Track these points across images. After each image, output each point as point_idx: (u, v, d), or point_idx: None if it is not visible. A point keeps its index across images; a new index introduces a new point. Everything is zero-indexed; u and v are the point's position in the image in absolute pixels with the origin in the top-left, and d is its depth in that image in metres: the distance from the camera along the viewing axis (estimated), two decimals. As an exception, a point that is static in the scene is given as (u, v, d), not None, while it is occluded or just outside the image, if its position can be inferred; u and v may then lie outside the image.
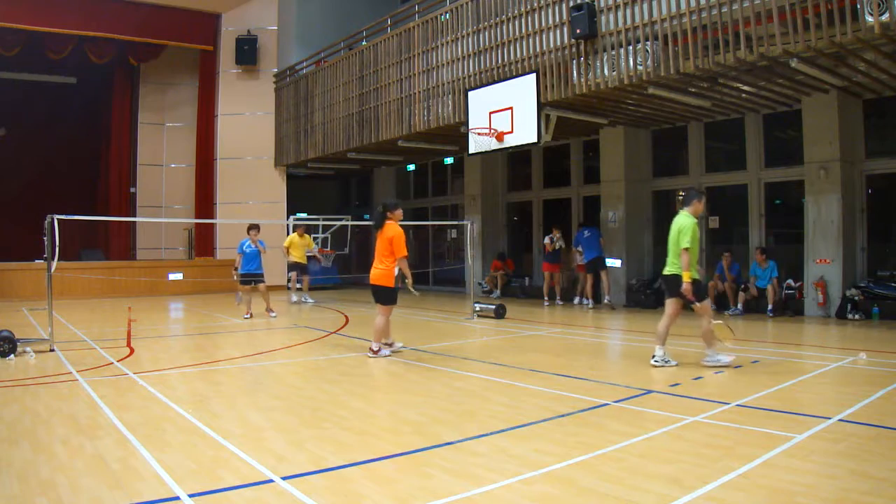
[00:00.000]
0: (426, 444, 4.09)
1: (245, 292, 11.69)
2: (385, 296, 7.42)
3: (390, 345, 7.64)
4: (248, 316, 11.45)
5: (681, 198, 6.76)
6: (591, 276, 12.91)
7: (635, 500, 3.15)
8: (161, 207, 19.30)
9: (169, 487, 3.34)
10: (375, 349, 7.36)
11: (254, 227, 11.57)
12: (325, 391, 5.73)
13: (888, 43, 7.61)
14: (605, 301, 12.72)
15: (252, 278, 11.51)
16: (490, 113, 11.33)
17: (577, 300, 13.44)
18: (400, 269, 7.32)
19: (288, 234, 18.25)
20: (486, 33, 11.70)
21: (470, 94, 11.72)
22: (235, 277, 11.66)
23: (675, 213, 6.73)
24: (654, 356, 6.65)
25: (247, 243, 11.47)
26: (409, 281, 7.44)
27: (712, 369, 6.39)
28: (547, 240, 13.74)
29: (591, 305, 12.88)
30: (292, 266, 14.35)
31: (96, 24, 16.36)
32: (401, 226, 7.44)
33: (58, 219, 7.82)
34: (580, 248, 13.09)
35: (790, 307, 10.86)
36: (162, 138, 19.53)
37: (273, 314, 11.56)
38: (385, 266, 7.31)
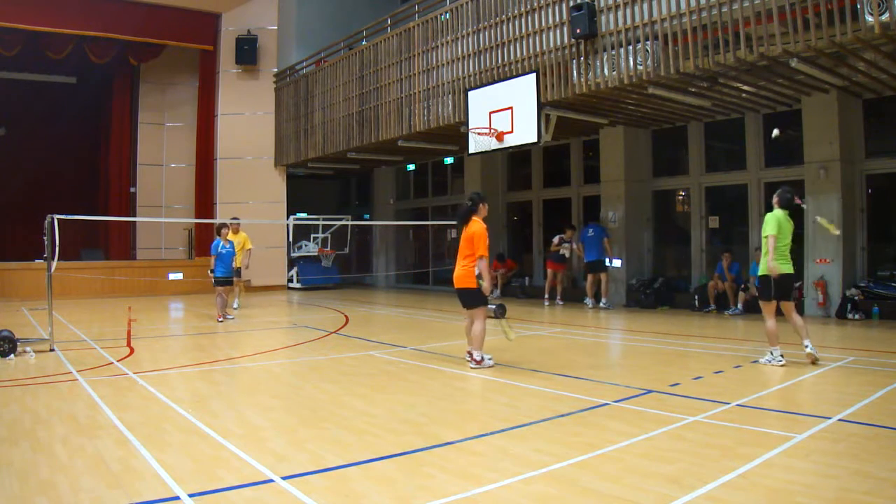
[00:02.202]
0: (426, 444, 4.09)
1: (226, 293, 11.28)
2: (473, 298, 6.67)
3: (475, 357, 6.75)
4: (232, 318, 11.20)
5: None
6: (591, 275, 12.90)
7: (635, 500, 3.15)
8: (161, 207, 19.29)
9: (169, 487, 3.34)
10: (478, 358, 6.60)
11: (225, 226, 11.18)
12: (325, 391, 5.73)
13: (888, 43, 7.61)
14: (601, 304, 12.68)
15: (229, 281, 11.18)
16: (490, 113, 11.33)
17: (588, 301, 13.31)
18: (479, 271, 6.60)
19: (288, 234, 18.35)
20: (486, 33, 11.70)
21: (470, 93, 11.72)
22: (214, 282, 11.13)
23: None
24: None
25: (220, 244, 10.98)
26: (486, 286, 6.63)
27: (712, 369, 6.39)
28: (556, 239, 13.68)
29: (590, 305, 12.88)
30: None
31: (96, 24, 16.35)
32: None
33: (58, 219, 7.82)
34: (582, 244, 13.04)
35: (790, 307, 10.85)
36: (162, 138, 19.52)
37: (222, 320, 10.93)
38: (468, 266, 6.65)
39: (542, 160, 16.07)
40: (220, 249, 10.99)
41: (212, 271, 11.11)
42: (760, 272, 6.68)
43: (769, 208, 6.98)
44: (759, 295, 6.75)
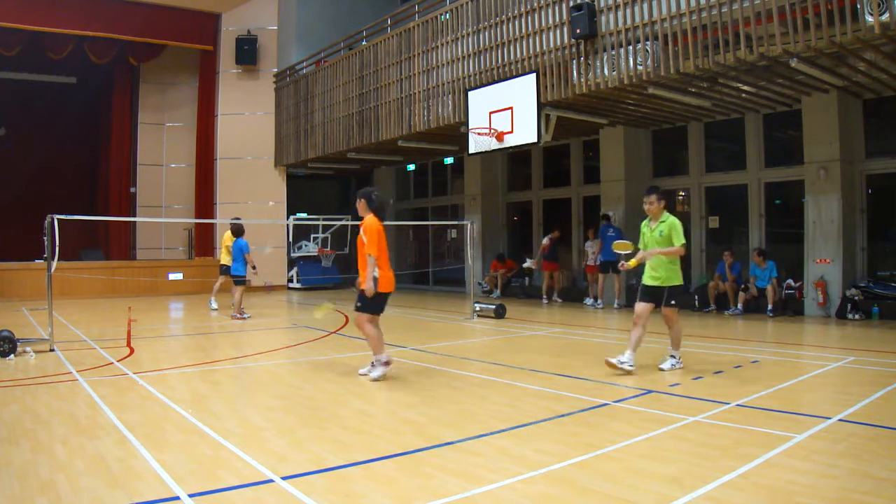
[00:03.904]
0: (426, 444, 4.09)
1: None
2: None
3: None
4: (248, 316, 11.56)
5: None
6: (602, 275, 12.90)
7: (635, 500, 3.15)
8: (161, 207, 19.30)
9: (169, 487, 3.34)
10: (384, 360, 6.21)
11: (242, 227, 11.69)
12: (325, 391, 5.73)
13: (888, 43, 7.61)
14: (615, 305, 12.70)
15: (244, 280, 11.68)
16: (490, 113, 11.33)
17: (589, 301, 13.34)
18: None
19: (288, 234, 18.36)
20: (486, 33, 11.70)
21: (470, 94, 11.72)
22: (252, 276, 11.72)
23: (678, 213, 6.72)
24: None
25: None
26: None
27: (712, 369, 6.39)
28: (546, 240, 13.73)
29: (601, 306, 12.87)
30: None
31: (96, 24, 16.35)
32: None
33: (58, 219, 7.81)
34: (598, 242, 13.01)
35: (790, 307, 10.86)
36: (162, 138, 19.52)
37: (240, 317, 11.34)
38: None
39: (542, 160, 16.08)
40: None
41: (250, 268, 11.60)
42: (676, 282, 6.35)
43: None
44: (675, 303, 6.40)
